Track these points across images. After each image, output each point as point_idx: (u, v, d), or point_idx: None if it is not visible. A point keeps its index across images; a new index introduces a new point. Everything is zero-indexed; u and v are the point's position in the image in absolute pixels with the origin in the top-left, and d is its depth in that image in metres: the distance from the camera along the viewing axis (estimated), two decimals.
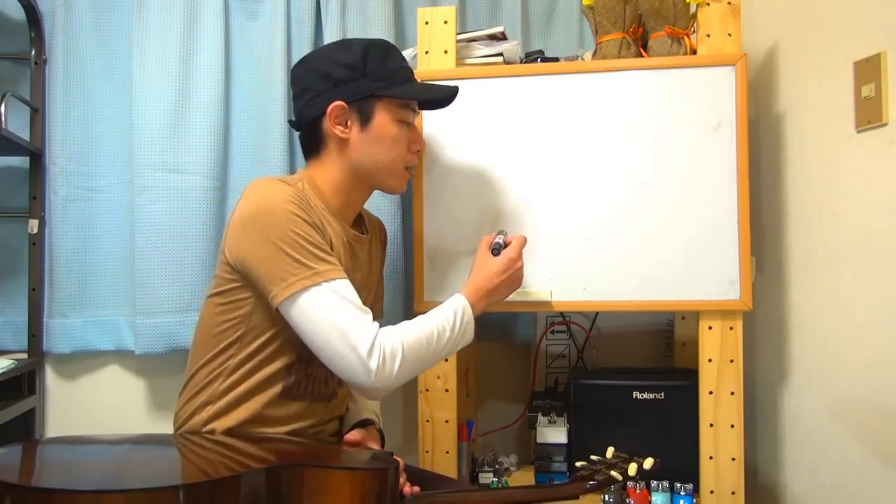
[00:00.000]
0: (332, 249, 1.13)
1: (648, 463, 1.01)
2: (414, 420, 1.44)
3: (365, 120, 1.17)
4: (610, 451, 1.04)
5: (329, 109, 1.16)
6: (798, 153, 1.38)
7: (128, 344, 1.68)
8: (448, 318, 1.15)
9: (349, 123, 1.17)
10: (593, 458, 1.03)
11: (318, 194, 1.18)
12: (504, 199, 1.38)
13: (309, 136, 1.22)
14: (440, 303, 1.20)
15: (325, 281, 1.06)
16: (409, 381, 1.75)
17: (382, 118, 1.17)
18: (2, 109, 1.50)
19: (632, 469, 0.99)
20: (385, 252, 1.43)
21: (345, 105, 1.16)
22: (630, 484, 1.32)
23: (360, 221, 1.31)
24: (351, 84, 1.16)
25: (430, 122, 1.40)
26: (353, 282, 1.11)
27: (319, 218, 1.14)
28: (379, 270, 1.38)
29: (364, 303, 1.11)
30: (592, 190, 1.36)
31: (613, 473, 0.97)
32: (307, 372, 1.17)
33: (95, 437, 1.09)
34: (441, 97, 1.25)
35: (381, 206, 1.64)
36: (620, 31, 1.39)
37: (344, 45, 1.23)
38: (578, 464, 1.01)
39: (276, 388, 1.15)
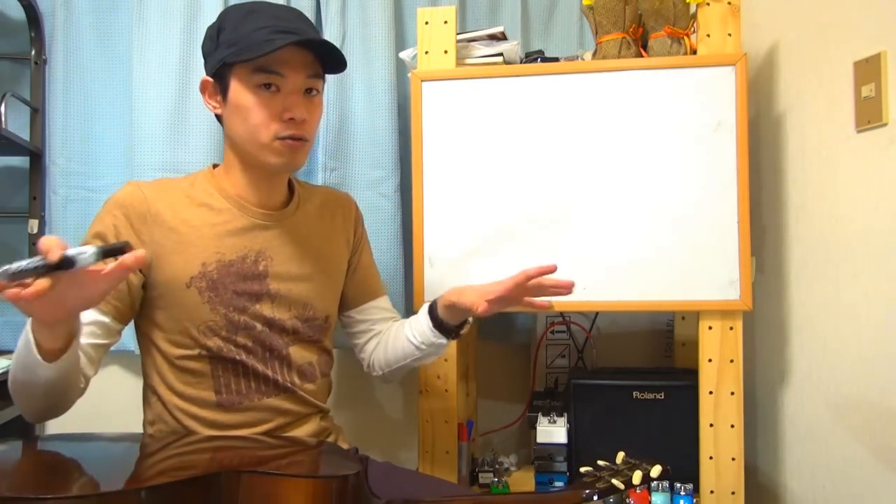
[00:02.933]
0: (203, 239, 1.08)
1: (656, 471, 0.96)
2: (414, 420, 1.44)
3: (224, 92, 1.09)
4: (620, 457, 0.99)
5: (199, 87, 1.13)
6: (798, 153, 1.38)
7: (128, 344, 1.67)
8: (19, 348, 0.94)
9: (218, 99, 1.11)
10: (600, 463, 0.98)
11: (212, 180, 1.14)
12: (504, 198, 1.38)
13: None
14: None
15: None
16: (408, 380, 1.75)
17: (235, 87, 1.07)
18: (2, 109, 1.50)
19: (636, 477, 0.95)
20: (360, 229, 1.31)
21: (209, 80, 1.11)
22: None
23: (289, 199, 1.20)
24: (210, 57, 1.11)
25: (431, 122, 1.40)
26: (253, 262, 1.10)
27: (163, 215, 1.07)
28: (343, 243, 1.27)
29: (310, 276, 1.15)
30: (592, 190, 1.36)
31: (615, 482, 0.92)
32: (236, 370, 1.10)
33: (89, 434, 1.06)
34: (272, 48, 1.02)
35: (380, 205, 1.64)
36: (620, 31, 1.39)
37: (218, 15, 1.12)
38: (583, 469, 0.97)
39: (209, 394, 1.09)
